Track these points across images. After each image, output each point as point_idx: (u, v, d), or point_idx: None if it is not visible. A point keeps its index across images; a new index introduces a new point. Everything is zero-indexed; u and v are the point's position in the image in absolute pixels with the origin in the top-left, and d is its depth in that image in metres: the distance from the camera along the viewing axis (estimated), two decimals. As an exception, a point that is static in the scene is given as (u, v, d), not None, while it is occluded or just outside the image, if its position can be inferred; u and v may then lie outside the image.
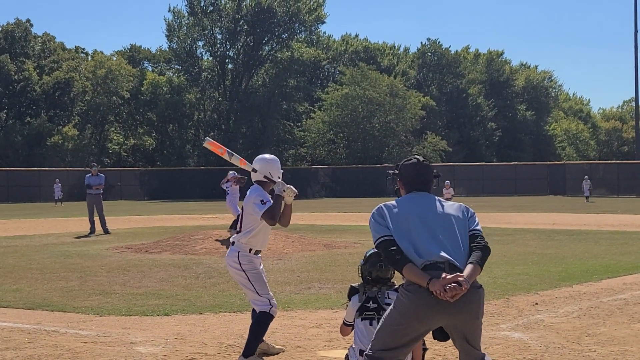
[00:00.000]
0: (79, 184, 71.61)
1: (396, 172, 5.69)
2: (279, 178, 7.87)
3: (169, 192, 71.72)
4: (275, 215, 7.62)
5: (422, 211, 5.23)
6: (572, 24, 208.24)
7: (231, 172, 23.15)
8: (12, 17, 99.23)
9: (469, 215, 5.33)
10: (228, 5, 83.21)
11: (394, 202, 5.34)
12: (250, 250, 7.93)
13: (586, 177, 57.04)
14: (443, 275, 4.82)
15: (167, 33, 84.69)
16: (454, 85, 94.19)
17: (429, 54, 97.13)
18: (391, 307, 5.16)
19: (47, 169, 71.11)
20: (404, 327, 5.02)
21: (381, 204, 5.36)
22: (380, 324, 5.22)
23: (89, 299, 12.13)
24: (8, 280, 14.44)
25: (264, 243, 8.16)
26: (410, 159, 5.61)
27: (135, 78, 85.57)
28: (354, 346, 6.47)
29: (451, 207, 5.34)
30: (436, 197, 5.40)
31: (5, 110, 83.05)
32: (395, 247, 5.05)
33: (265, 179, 7.83)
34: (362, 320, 6.12)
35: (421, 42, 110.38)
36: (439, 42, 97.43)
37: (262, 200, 7.67)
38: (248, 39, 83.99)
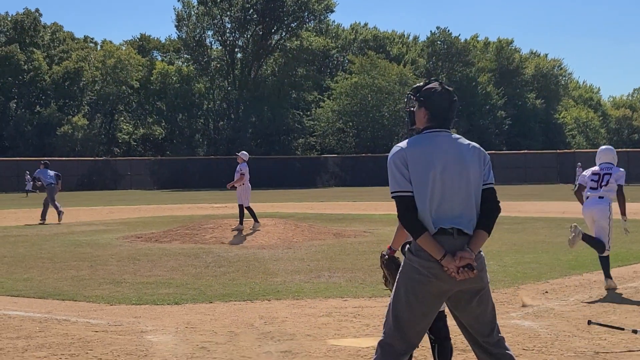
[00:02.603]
0: (88, 174, 72.01)
1: (421, 98, 5.23)
2: None
3: (178, 181, 71.88)
4: None
5: (445, 160, 4.98)
6: (582, 12, 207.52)
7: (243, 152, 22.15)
8: (22, 7, 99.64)
9: (485, 164, 5.13)
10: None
11: (414, 145, 5.08)
12: None
13: (579, 163, 56.85)
14: (457, 256, 4.79)
15: (176, 22, 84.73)
16: (464, 74, 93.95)
17: (439, 42, 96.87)
18: (397, 279, 5.09)
19: (57, 158, 71.23)
20: (413, 294, 4.92)
21: (402, 146, 5.10)
22: (389, 305, 5.13)
23: (99, 288, 12.16)
24: (19, 269, 14.49)
25: None
26: (436, 87, 5.21)
27: (145, 68, 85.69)
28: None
29: (471, 152, 5.09)
30: (454, 137, 5.14)
31: (15, 100, 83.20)
32: (413, 211, 4.91)
33: None
34: None
35: (430, 31, 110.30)
36: (448, 31, 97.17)
37: None
38: (257, 28, 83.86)
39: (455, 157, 5.04)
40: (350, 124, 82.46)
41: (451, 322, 8.39)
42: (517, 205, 33.42)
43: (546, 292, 11.29)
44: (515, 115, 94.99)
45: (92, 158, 75.14)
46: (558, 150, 79.57)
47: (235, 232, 19.69)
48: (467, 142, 5.18)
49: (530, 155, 76.23)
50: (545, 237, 19.83)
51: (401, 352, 5.08)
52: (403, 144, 5.13)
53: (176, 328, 9.02)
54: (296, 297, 11.11)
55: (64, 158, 71.69)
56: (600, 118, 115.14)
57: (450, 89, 5.25)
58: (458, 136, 5.19)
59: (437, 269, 4.85)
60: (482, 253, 5.02)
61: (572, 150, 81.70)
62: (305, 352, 7.83)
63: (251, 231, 19.78)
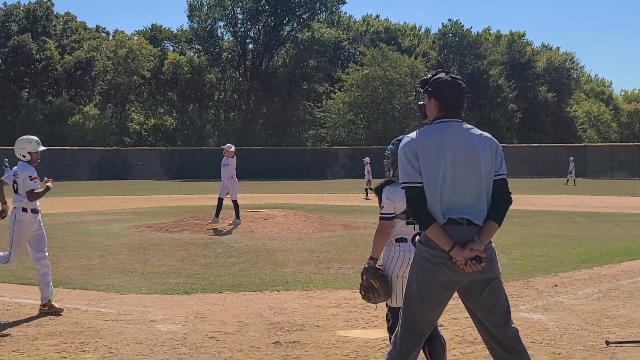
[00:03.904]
0: (99, 163, 72.09)
1: (429, 89, 5.15)
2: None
3: (189, 171, 71.85)
4: None
5: (455, 151, 4.94)
6: (595, 5, 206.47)
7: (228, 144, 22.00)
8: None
9: (497, 154, 5.08)
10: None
11: (425, 135, 5.03)
12: None
13: (571, 158, 56.78)
14: (466, 248, 4.76)
15: (188, 13, 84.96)
16: (475, 67, 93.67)
17: (450, 35, 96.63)
18: (409, 272, 5.06)
19: (68, 147, 71.39)
20: (425, 284, 4.90)
21: (412, 137, 5.05)
22: (402, 302, 5.11)
23: (109, 277, 12.22)
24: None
25: None
26: (444, 77, 5.14)
27: (156, 58, 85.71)
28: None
29: (483, 142, 5.05)
30: (466, 128, 5.09)
31: (27, 89, 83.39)
32: (422, 202, 4.89)
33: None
34: (407, 224, 6.03)
35: (442, 23, 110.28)
36: (460, 23, 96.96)
37: None
38: (269, 19, 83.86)
39: (466, 147, 4.99)
40: (361, 115, 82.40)
41: (460, 315, 8.42)
42: (527, 199, 33.36)
43: (555, 285, 11.28)
44: (526, 109, 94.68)
45: (103, 148, 75.23)
46: (569, 144, 79.26)
47: (232, 226, 19.53)
48: (479, 132, 5.13)
49: (541, 149, 76.00)
50: (555, 230, 19.80)
51: (412, 345, 5.08)
52: (413, 134, 5.09)
53: (186, 318, 9.06)
54: (305, 288, 11.14)
55: (75, 147, 71.83)
56: (612, 112, 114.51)
57: (458, 77, 5.19)
58: (470, 126, 5.14)
59: (447, 258, 4.83)
60: (492, 244, 5.00)
61: (583, 144, 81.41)
62: (314, 342, 7.86)
63: (231, 226, 19.57)
